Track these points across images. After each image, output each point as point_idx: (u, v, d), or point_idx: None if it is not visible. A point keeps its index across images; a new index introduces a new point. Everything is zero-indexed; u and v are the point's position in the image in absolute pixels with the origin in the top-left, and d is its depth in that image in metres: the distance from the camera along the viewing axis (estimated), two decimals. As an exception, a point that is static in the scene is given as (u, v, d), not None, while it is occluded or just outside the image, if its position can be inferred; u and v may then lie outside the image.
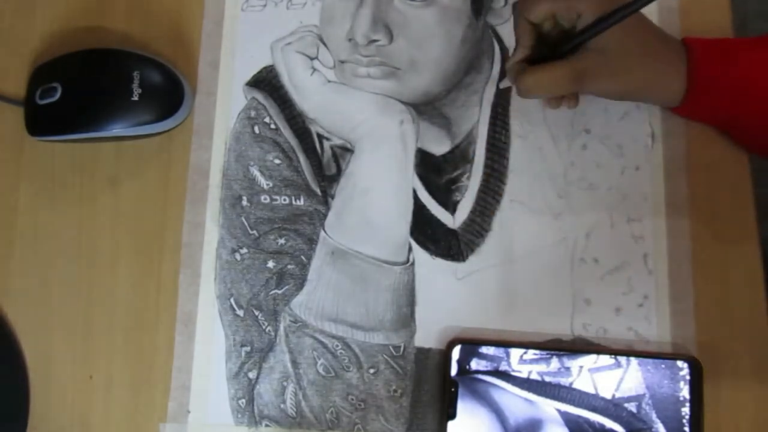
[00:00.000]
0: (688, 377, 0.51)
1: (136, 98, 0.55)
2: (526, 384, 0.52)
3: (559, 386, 0.51)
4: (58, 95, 0.56)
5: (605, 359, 0.52)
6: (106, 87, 0.56)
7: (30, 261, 0.57)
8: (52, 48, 0.60)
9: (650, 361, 0.52)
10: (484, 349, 0.52)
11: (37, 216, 0.58)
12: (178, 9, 0.61)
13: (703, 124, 0.56)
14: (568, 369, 0.52)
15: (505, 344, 0.53)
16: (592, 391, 0.51)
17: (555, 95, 0.53)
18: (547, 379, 0.52)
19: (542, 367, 0.52)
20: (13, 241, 0.57)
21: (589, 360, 0.52)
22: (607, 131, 0.57)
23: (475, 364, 0.52)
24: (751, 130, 0.53)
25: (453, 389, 0.52)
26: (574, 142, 0.57)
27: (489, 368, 0.52)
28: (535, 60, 0.51)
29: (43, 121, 0.56)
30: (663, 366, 0.51)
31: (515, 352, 0.52)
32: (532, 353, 0.52)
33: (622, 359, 0.52)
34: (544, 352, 0.52)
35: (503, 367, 0.52)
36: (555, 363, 0.52)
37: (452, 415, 0.51)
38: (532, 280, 0.55)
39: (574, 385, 0.51)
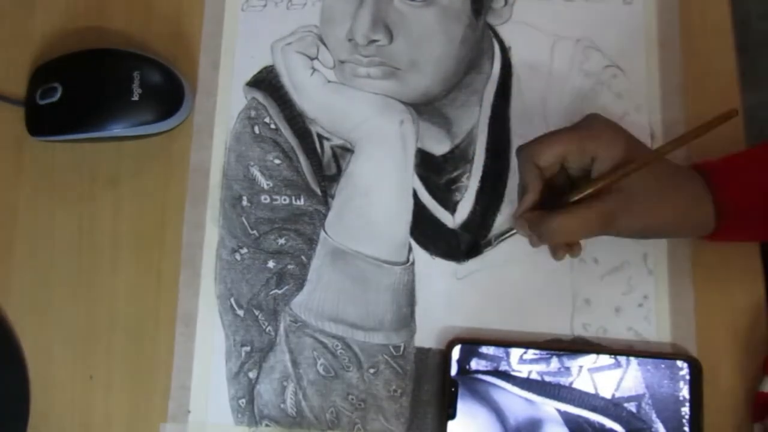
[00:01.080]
0: (688, 377, 0.51)
1: (136, 98, 0.55)
2: (526, 384, 0.52)
3: (559, 386, 0.51)
4: (58, 95, 0.56)
5: (605, 359, 0.52)
6: (107, 87, 0.56)
7: (30, 261, 0.57)
8: (53, 48, 0.60)
9: (650, 361, 0.52)
10: (484, 349, 0.52)
11: (38, 216, 0.58)
12: (179, 9, 0.61)
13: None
14: (567, 369, 0.52)
15: (505, 344, 0.53)
16: (592, 390, 0.51)
17: (578, 240, 0.50)
18: (547, 378, 0.52)
19: (542, 367, 0.52)
20: (14, 241, 0.57)
21: (589, 360, 0.52)
22: (607, 131, 0.57)
23: (475, 364, 0.52)
24: None
25: (453, 389, 0.52)
26: (574, 142, 0.57)
27: (489, 368, 0.52)
28: (542, 207, 0.49)
29: (43, 121, 0.56)
30: (663, 366, 0.51)
31: (515, 352, 0.52)
32: (532, 353, 0.52)
33: (622, 359, 0.52)
34: (544, 352, 0.52)
35: (503, 366, 0.52)
36: (555, 363, 0.52)
37: (452, 415, 0.51)
38: (531, 280, 0.55)
39: (574, 385, 0.51)
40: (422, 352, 0.54)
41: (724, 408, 0.52)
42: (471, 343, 0.52)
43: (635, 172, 0.46)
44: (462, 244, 0.56)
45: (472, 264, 0.55)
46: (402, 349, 0.54)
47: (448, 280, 0.55)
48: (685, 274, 0.54)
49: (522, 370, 0.52)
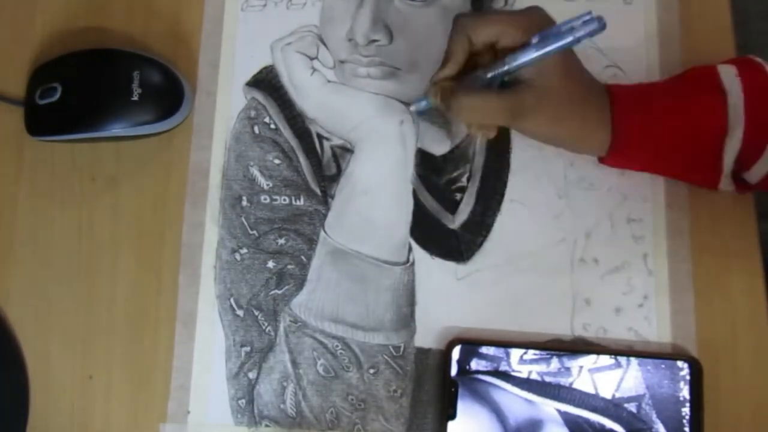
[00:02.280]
0: (688, 377, 0.51)
1: (135, 98, 0.55)
2: (526, 384, 0.52)
3: (559, 386, 0.51)
4: (57, 95, 0.56)
5: (605, 359, 0.52)
6: (106, 87, 0.56)
7: (29, 261, 0.57)
8: (52, 48, 0.60)
9: (650, 361, 0.52)
10: (484, 349, 0.52)
11: (37, 216, 0.58)
12: (178, 9, 0.61)
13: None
14: (568, 369, 0.52)
15: (505, 344, 0.53)
16: (592, 391, 0.51)
17: (485, 122, 0.50)
18: (547, 379, 0.52)
19: (542, 367, 0.52)
20: (13, 241, 0.57)
21: (589, 360, 0.52)
22: (607, 131, 0.57)
23: (475, 364, 0.52)
24: (678, 177, 0.54)
25: (453, 389, 0.52)
26: (574, 142, 0.57)
27: (489, 368, 0.52)
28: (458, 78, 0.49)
29: (43, 121, 0.56)
30: (663, 366, 0.51)
31: (515, 352, 0.52)
32: (532, 353, 0.52)
33: (622, 359, 0.52)
34: (544, 352, 0.52)
35: (503, 367, 0.52)
36: (555, 363, 0.52)
37: (452, 415, 0.51)
38: (532, 280, 0.55)
39: (574, 386, 0.51)
40: (422, 353, 0.54)
41: (724, 408, 0.52)
42: (471, 344, 0.52)
43: (555, 71, 0.47)
44: (462, 244, 0.56)
45: (472, 264, 0.55)
46: (402, 349, 0.54)
47: (448, 280, 0.55)
48: (685, 275, 0.54)
49: (522, 371, 0.52)
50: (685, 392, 0.51)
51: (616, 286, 0.54)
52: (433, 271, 0.55)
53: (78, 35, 0.61)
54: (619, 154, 0.51)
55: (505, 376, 0.52)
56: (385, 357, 0.54)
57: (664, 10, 0.59)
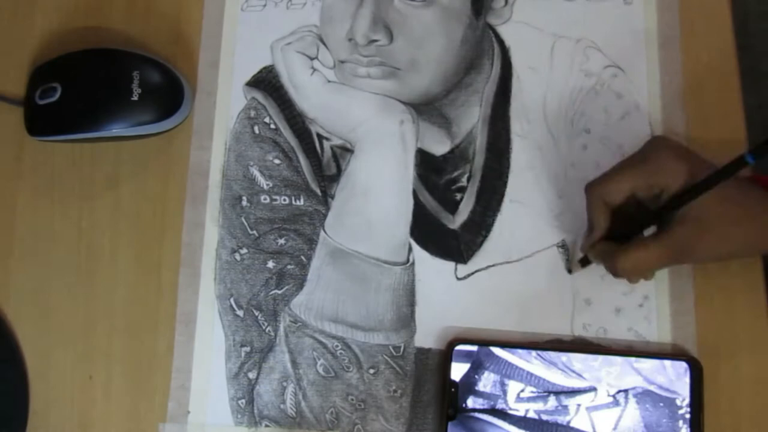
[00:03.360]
0: (688, 378, 0.51)
1: (135, 98, 0.55)
2: (523, 423, 0.51)
3: (556, 425, 0.51)
4: (57, 95, 0.55)
5: (603, 397, 0.51)
6: (106, 87, 0.56)
7: (29, 261, 0.57)
8: (52, 48, 0.60)
9: (648, 399, 0.51)
10: (480, 386, 0.52)
11: (37, 216, 0.58)
12: (178, 9, 0.61)
13: (701, 127, 0.56)
14: (565, 407, 0.51)
15: (505, 344, 0.52)
16: (589, 430, 0.51)
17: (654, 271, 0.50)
18: (545, 417, 0.51)
19: (539, 406, 0.51)
20: (13, 241, 0.57)
21: (586, 398, 0.51)
22: (607, 131, 0.57)
23: (471, 402, 0.52)
24: None
25: (453, 389, 0.52)
26: (575, 142, 0.57)
27: (486, 406, 0.52)
28: (612, 237, 0.50)
29: (42, 121, 0.56)
30: (661, 404, 0.51)
31: (512, 390, 0.52)
32: (529, 391, 0.51)
33: (620, 398, 0.51)
34: (540, 391, 0.51)
35: (500, 405, 0.52)
36: (552, 401, 0.51)
37: (452, 416, 0.51)
38: (532, 280, 0.55)
39: (572, 424, 0.51)
40: (422, 353, 0.54)
41: (724, 408, 0.52)
42: (471, 343, 0.52)
43: (707, 197, 0.45)
44: (462, 244, 0.56)
45: (472, 264, 0.55)
46: (402, 349, 0.54)
47: (448, 280, 0.55)
48: (685, 275, 0.54)
49: (519, 409, 0.51)
50: (685, 392, 0.51)
51: (616, 287, 0.54)
52: (433, 271, 0.55)
53: (78, 35, 0.61)
54: None
55: (502, 415, 0.51)
56: (385, 357, 0.54)
57: (664, 10, 0.59)
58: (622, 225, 0.50)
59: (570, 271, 0.55)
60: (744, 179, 0.49)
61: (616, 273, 0.49)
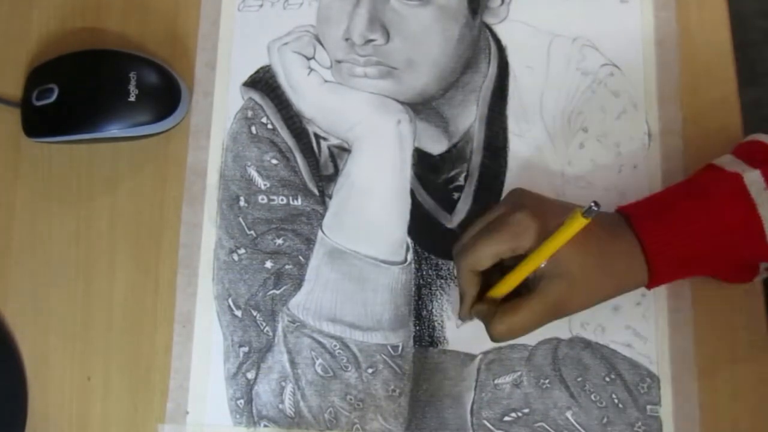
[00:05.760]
0: None
1: (132, 99, 0.55)
2: None
3: None
4: (54, 96, 0.55)
5: None
6: (103, 88, 0.56)
7: (27, 262, 0.57)
8: (49, 49, 0.60)
9: None
10: None
11: (35, 217, 0.58)
12: (175, 9, 0.61)
13: (698, 125, 0.56)
14: None
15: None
16: None
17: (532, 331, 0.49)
18: None
19: None
20: (11, 243, 0.57)
21: None
22: (604, 130, 0.57)
23: None
24: (721, 273, 0.52)
25: None
26: (572, 141, 0.57)
27: None
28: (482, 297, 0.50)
29: (40, 123, 0.56)
30: None
31: None
32: None
33: None
34: None
35: None
36: None
37: None
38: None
39: None
40: (420, 352, 0.54)
41: (723, 408, 0.52)
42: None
43: (570, 252, 0.46)
44: None
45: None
46: (400, 348, 0.54)
47: (447, 279, 0.55)
48: (683, 273, 0.54)
49: None
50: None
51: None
52: (430, 271, 0.55)
53: (75, 36, 0.61)
54: (659, 273, 0.48)
55: None
56: (384, 356, 0.54)
57: (660, 8, 0.59)
58: (489, 281, 0.49)
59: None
60: (605, 214, 0.49)
61: (493, 338, 0.48)
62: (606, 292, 0.49)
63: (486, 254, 0.48)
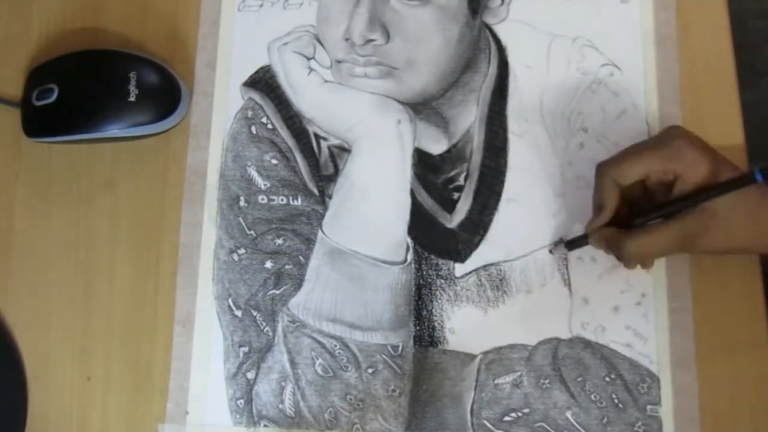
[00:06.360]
0: None
1: (132, 99, 0.55)
2: None
3: None
4: (54, 96, 0.55)
5: None
6: (103, 88, 0.56)
7: (27, 262, 0.57)
8: (49, 49, 0.60)
9: None
10: None
11: (35, 217, 0.58)
12: (175, 10, 0.61)
13: (698, 125, 0.56)
14: None
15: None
16: None
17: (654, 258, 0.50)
18: None
19: None
20: (11, 243, 0.57)
21: None
22: (604, 130, 0.57)
23: None
24: None
25: None
26: (572, 140, 0.57)
27: None
28: (614, 223, 0.50)
29: (39, 123, 0.56)
30: None
31: None
32: None
33: None
34: None
35: None
36: None
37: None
38: (530, 278, 0.55)
39: None
40: (420, 352, 0.54)
41: (723, 408, 0.52)
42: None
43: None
44: (459, 243, 0.56)
45: (470, 263, 0.55)
46: (400, 348, 0.54)
47: (446, 279, 0.55)
48: (683, 272, 0.54)
49: None
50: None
51: (614, 285, 0.54)
52: (430, 271, 0.55)
53: (75, 36, 0.61)
54: None
55: None
56: (384, 356, 0.54)
57: (660, 8, 0.59)
58: (628, 209, 0.50)
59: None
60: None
61: (621, 257, 0.49)
62: (743, 242, 0.48)
63: (636, 166, 0.48)
